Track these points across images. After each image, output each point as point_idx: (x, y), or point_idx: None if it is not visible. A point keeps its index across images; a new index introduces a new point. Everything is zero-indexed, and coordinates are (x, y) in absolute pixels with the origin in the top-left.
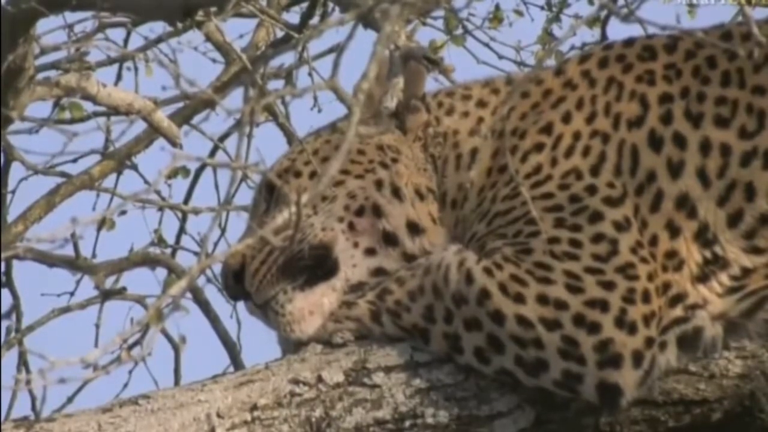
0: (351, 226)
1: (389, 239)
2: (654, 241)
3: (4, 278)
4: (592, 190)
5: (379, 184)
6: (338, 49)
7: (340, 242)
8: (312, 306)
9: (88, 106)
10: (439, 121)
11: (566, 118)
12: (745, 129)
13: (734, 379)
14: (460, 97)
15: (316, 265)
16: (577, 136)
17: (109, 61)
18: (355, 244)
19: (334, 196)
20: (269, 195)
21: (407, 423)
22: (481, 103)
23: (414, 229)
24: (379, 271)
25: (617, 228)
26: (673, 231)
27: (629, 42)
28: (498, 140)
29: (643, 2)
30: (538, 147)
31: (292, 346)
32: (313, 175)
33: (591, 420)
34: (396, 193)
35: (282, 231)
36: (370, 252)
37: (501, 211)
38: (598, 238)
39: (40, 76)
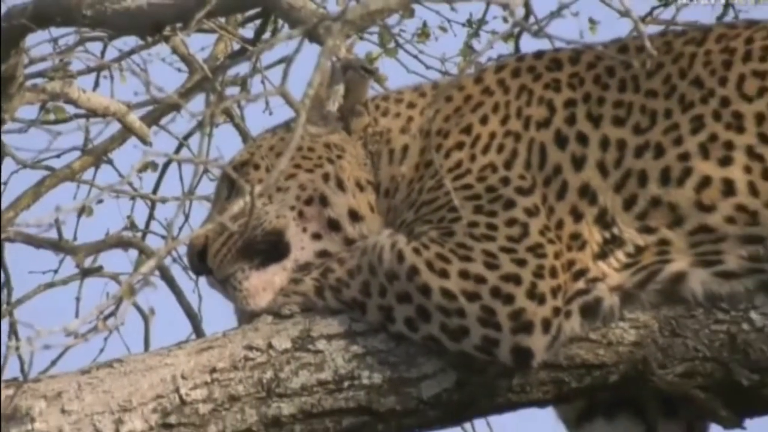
0: (301, 214)
1: (333, 225)
2: (560, 224)
3: None
4: (505, 181)
5: (326, 177)
6: (287, 60)
7: (291, 228)
8: (265, 283)
9: (70, 109)
10: (376, 122)
11: (484, 120)
12: (639, 126)
13: (629, 346)
14: (393, 101)
15: (270, 248)
16: (492, 135)
17: (89, 70)
18: (304, 230)
19: (287, 187)
20: (230, 185)
21: (346, 384)
22: (411, 105)
23: (354, 216)
24: (323, 253)
25: (528, 214)
26: (577, 216)
27: (539, 55)
28: (425, 139)
29: (552, 20)
30: (460, 145)
31: (246, 317)
32: (268, 168)
33: (505, 382)
34: (340, 185)
35: (239, 217)
36: (316, 236)
37: (427, 200)
38: (511, 222)
39: (29, 83)
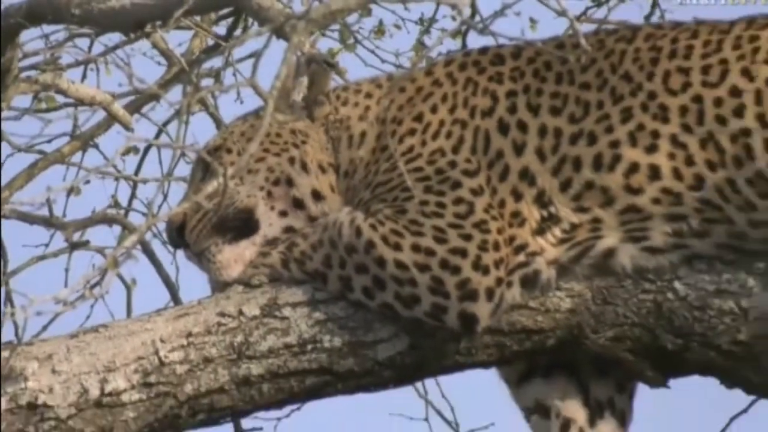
0: (269, 194)
1: (298, 204)
2: (502, 203)
3: None
4: (453, 164)
5: (291, 160)
6: (256, 55)
7: (260, 206)
8: (236, 256)
9: (60, 99)
10: (337, 111)
11: (433, 109)
12: (574, 116)
13: (565, 313)
14: (352, 92)
15: (241, 225)
16: (442, 123)
17: (77, 64)
18: (272, 208)
19: (257, 169)
20: (204, 168)
21: (309, 347)
22: (368, 96)
23: (317, 196)
24: (289, 229)
25: (473, 193)
26: (517, 196)
27: (483, 50)
28: (381, 126)
29: (496, 19)
30: (412, 131)
31: (219, 286)
32: (240, 152)
33: (453, 346)
34: (304, 167)
35: (213, 197)
36: (283, 214)
37: (382, 181)
38: (458, 201)
39: (23, 75)
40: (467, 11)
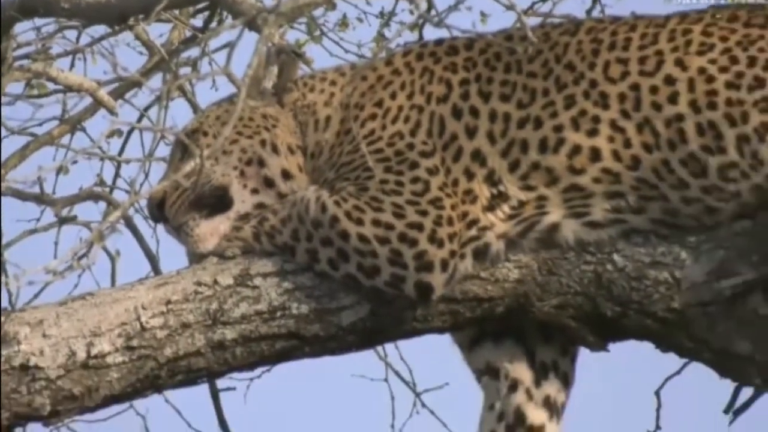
0: (242, 173)
1: (269, 183)
2: (456, 182)
3: None
4: (411, 146)
5: (263, 143)
6: (230, 46)
7: (234, 185)
8: (212, 230)
9: (51, 86)
10: (304, 96)
11: (393, 96)
12: (521, 102)
13: (513, 283)
14: (318, 79)
15: (216, 201)
16: (400, 108)
17: (66, 53)
18: (245, 186)
19: (231, 150)
20: (183, 149)
21: (278, 314)
22: (333, 83)
23: (286, 175)
24: (260, 205)
25: (429, 173)
26: (470, 175)
27: (439, 42)
28: (345, 111)
29: (450, 13)
30: (373, 116)
31: (196, 258)
32: (215, 135)
33: (411, 313)
34: (275, 149)
35: (191, 176)
36: (254, 191)
37: (346, 161)
38: (415, 180)
39: (17, 63)
40: (424, 5)
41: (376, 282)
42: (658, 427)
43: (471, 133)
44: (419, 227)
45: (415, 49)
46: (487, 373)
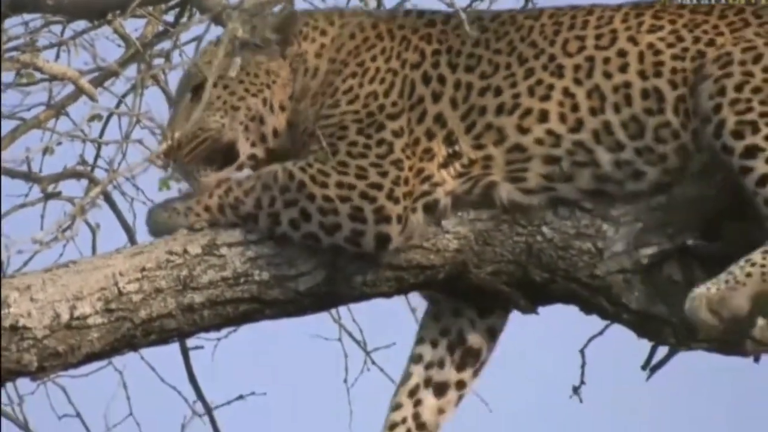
0: (246, 128)
1: (263, 139)
2: (417, 141)
3: None
4: (381, 107)
5: (264, 101)
6: (199, 39)
7: (240, 139)
8: (220, 179)
9: (38, 75)
10: (299, 45)
11: (373, 59)
12: (485, 73)
13: (452, 252)
14: (311, 27)
15: (225, 155)
16: (377, 70)
17: (51, 46)
18: (247, 139)
19: (239, 107)
20: (194, 91)
21: (242, 280)
22: (323, 33)
23: (275, 133)
24: (253, 157)
25: (395, 135)
26: (430, 136)
27: (420, 14)
28: (331, 65)
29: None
30: (354, 74)
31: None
32: (225, 86)
33: (361, 278)
34: (272, 108)
35: (200, 125)
36: (252, 145)
37: (325, 115)
38: (380, 142)
39: (7, 55)
40: (373, 2)
41: (336, 238)
42: (582, 382)
43: (436, 98)
44: (379, 187)
45: (399, 17)
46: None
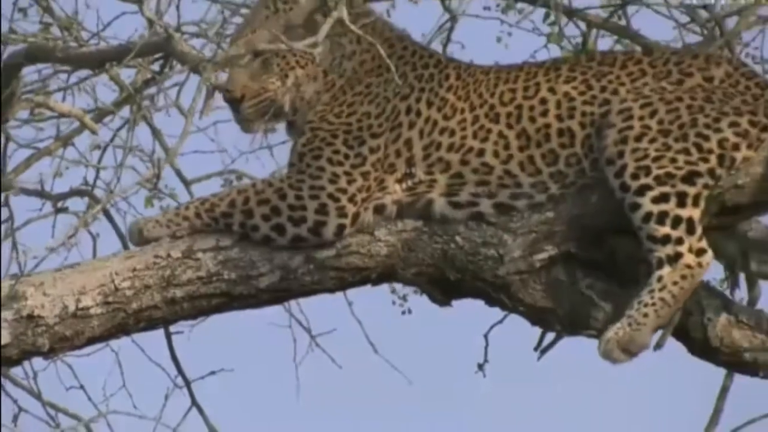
0: (290, 93)
1: (293, 108)
2: (386, 157)
3: (4, 201)
4: (369, 127)
5: (306, 75)
6: (179, 85)
7: (287, 102)
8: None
9: (48, 113)
10: (340, 64)
11: (378, 84)
12: (446, 115)
13: (383, 257)
14: (348, 40)
15: (275, 113)
16: (377, 95)
17: (60, 89)
18: (291, 102)
19: (289, 75)
20: (272, 8)
21: (214, 279)
22: (349, 56)
23: (293, 110)
24: (292, 118)
25: (371, 151)
26: (398, 154)
27: (421, 53)
28: (353, 72)
29: None
30: (359, 93)
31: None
32: (288, 61)
33: (310, 278)
34: (308, 81)
35: (265, 90)
36: (292, 108)
37: (328, 120)
38: (358, 155)
39: (24, 96)
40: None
41: (301, 229)
42: (486, 360)
43: (411, 126)
44: (344, 191)
45: (406, 54)
46: None
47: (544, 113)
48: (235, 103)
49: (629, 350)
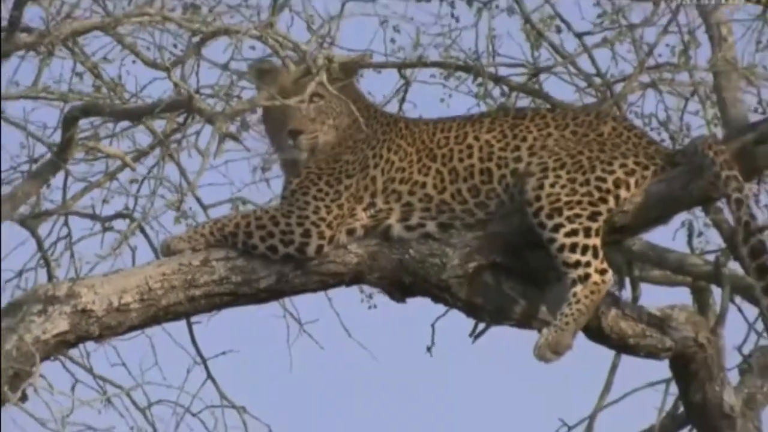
0: (325, 133)
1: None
2: (357, 191)
3: (64, 222)
4: (347, 170)
5: (334, 125)
6: (198, 133)
7: (322, 139)
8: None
9: (99, 154)
10: (363, 104)
11: (363, 141)
12: (401, 158)
13: (353, 265)
14: (364, 107)
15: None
16: (361, 150)
17: (107, 136)
18: (325, 141)
19: (328, 116)
20: (310, 98)
21: (224, 281)
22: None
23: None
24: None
25: (346, 189)
26: (366, 189)
27: (392, 118)
28: (349, 137)
29: None
30: (349, 147)
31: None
32: (327, 105)
33: (299, 280)
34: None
35: (317, 121)
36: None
37: (319, 166)
38: (336, 191)
39: (80, 141)
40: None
41: (289, 249)
42: (433, 343)
43: (375, 166)
44: (324, 220)
45: (377, 115)
46: None
47: (470, 155)
48: (296, 134)
49: (557, 351)
